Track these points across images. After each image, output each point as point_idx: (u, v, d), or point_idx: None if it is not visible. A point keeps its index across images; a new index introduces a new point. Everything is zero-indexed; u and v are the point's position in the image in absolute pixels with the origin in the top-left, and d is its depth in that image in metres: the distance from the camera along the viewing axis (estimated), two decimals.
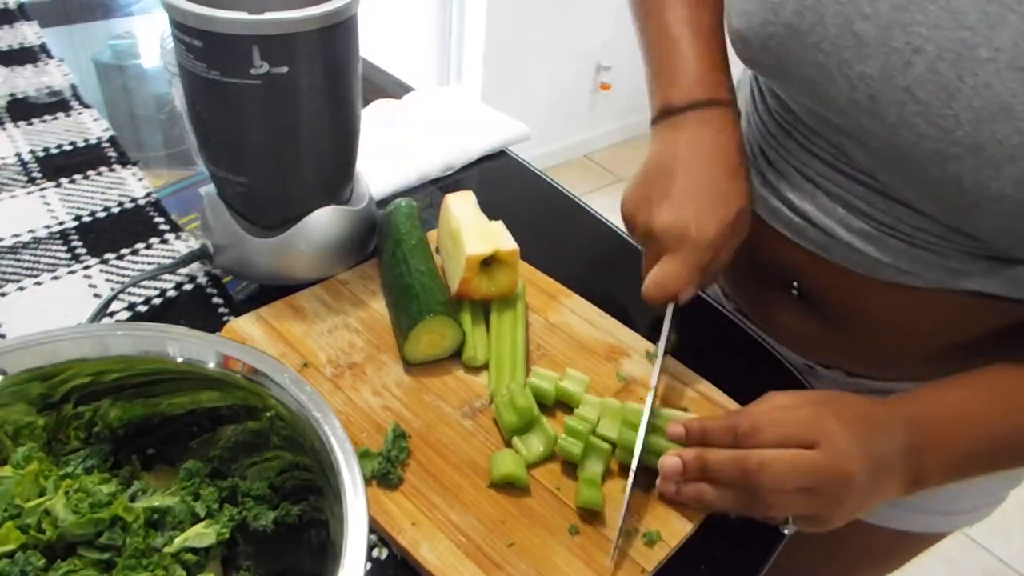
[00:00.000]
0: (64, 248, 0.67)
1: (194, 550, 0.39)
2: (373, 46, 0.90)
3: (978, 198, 0.45)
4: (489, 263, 0.60)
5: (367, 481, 0.49)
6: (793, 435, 0.45)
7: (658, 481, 0.49)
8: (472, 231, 0.60)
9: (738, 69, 0.62)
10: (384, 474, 0.49)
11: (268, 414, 0.41)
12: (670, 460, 0.48)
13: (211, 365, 0.42)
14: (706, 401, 0.58)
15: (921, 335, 0.57)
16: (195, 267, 0.66)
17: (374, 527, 0.48)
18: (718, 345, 0.66)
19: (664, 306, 0.56)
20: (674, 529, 0.48)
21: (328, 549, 0.37)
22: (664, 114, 0.59)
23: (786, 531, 0.48)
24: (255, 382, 0.41)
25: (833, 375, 0.66)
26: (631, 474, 0.48)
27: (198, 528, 0.40)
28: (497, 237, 0.60)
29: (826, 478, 0.44)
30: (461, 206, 0.64)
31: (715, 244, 0.54)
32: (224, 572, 0.41)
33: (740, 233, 0.57)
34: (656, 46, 0.62)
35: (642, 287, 0.56)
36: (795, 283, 0.62)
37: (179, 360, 0.42)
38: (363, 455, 0.50)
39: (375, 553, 0.47)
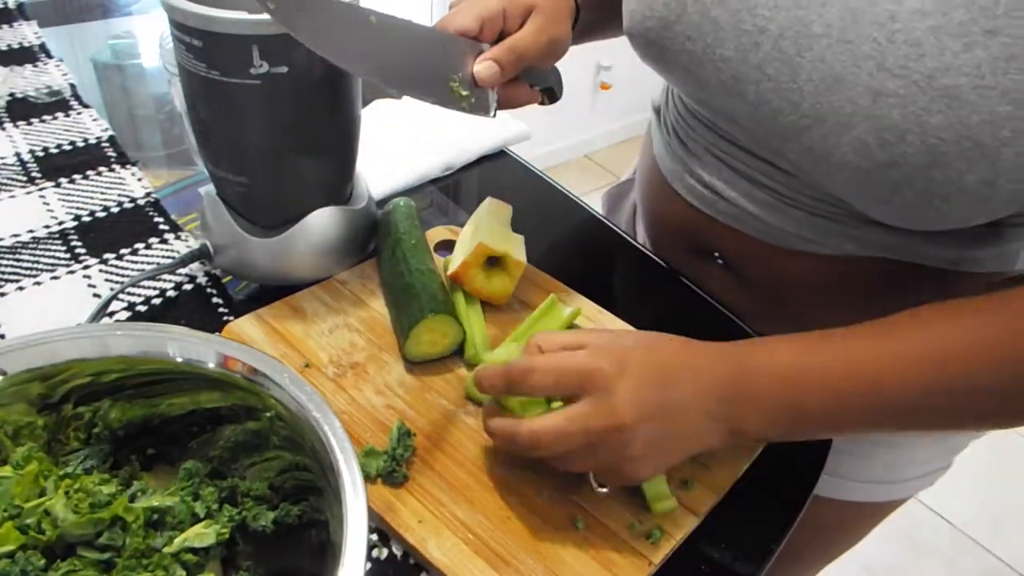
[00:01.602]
0: (64, 248, 0.67)
1: (194, 550, 0.39)
2: None
3: (829, 165, 0.48)
4: (494, 263, 0.61)
5: (372, 479, 0.49)
6: (563, 383, 0.44)
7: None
8: (496, 229, 0.62)
9: None
10: (390, 472, 0.49)
11: (268, 414, 0.41)
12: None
13: (211, 365, 0.42)
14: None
15: (843, 304, 0.59)
16: (195, 267, 0.66)
17: (381, 526, 0.48)
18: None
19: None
20: (679, 523, 0.48)
21: (328, 549, 0.37)
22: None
23: (600, 490, 0.47)
24: (255, 382, 0.41)
25: None
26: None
27: (198, 528, 0.40)
28: (513, 244, 0.62)
29: (597, 430, 0.43)
30: (498, 210, 0.66)
31: (498, 5, 0.54)
32: (224, 572, 0.41)
33: (541, 29, 0.56)
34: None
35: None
36: (717, 254, 0.65)
37: (179, 360, 0.42)
38: (368, 453, 0.50)
39: (375, 553, 0.47)
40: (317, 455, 0.38)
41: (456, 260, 0.62)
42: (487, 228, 0.62)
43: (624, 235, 0.76)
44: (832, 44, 0.45)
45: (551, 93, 0.63)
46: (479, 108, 0.55)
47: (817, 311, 0.61)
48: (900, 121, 0.44)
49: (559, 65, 0.62)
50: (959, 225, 0.49)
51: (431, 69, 0.53)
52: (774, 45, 0.48)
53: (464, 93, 0.54)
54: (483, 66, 0.54)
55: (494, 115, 0.57)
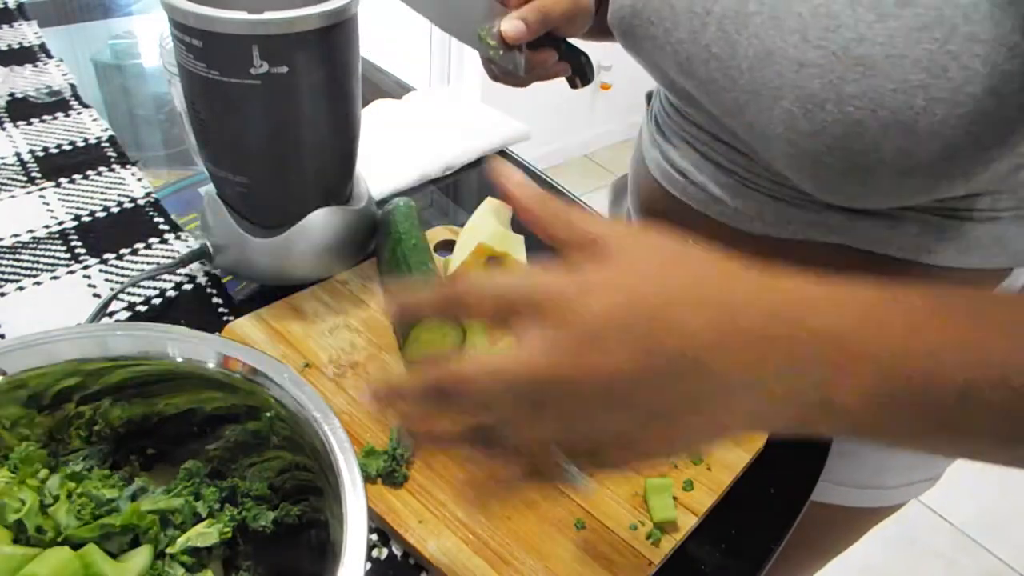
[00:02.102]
0: (63, 248, 0.67)
1: (195, 550, 0.39)
2: (373, 46, 0.90)
3: (766, 140, 0.50)
4: (495, 263, 0.61)
5: (373, 480, 0.49)
6: (506, 299, 0.31)
7: None
8: (496, 229, 0.61)
9: None
10: (390, 472, 0.49)
11: (268, 414, 0.41)
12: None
13: (211, 365, 0.42)
14: None
15: None
16: (195, 267, 0.66)
17: (381, 526, 0.48)
18: None
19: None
20: (679, 524, 0.48)
21: (328, 549, 0.37)
22: None
23: (578, 483, 0.33)
24: (255, 382, 0.41)
25: None
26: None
27: (200, 528, 0.40)
28: (513, 244, 0.62)
29: (547, 375, 0.29)
30: (498, 211, 0.65)
31: None
32: (224, 572, 0.41)
33: None
34: None
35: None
36: (690, 241, 0.64)
37: (179, 360, 0.42)
38: (369, 453, 0.50)
39: (375, 553, 0.47)
40: (317, 455, 0.38)
41: (456, 260, 0.62)
42: (487, 228, 0.62)
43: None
44: (764, 21, 0.48)
45: (582, 75, 0.67)
46: (507, 62, 0.62)
47: None
48: (819, 90, 0.45)
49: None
50: (893, 203, 0.50)
51: (466, 15, 0.61)
52: (718, 26, 0.51)
53: (492, 43, 0.60)
54: (510, 24, 0.59)
55: (524, 73, 0.62)
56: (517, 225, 0.66)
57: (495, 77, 0.67)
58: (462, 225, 0.67)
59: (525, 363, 0.29)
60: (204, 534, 0.40)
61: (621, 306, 0.29)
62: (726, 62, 0.51)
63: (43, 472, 0.40)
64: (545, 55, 0.64)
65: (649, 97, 0.75)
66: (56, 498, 0.39)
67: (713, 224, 0.62)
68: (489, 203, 0.67)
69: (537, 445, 0.32)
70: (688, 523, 0.49)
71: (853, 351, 0.29)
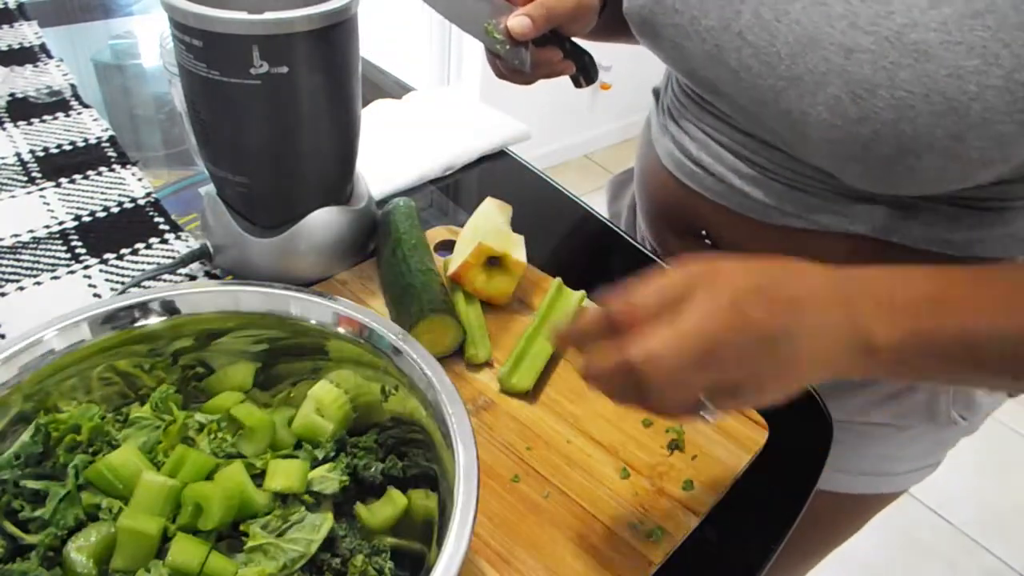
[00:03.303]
0: (64, 248, 0.67)
1: (314, 493, 0.41)
2: (373, 46, 0.90)
3: (805, 127, 0.50)
4: (495, 263, 0.61)
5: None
6: (671, 299, 0.38)
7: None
8: (494, 229, 0.63)
9: None
10: None
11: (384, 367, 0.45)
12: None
13: (329, 323, 0.46)
14: None
15: None
16: (195, 267, 0.66)
17: None
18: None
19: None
20: (680, 523, 0.48)
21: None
22: None
23: (709, 418, 0.39)
24: (370, 342, 0.45)
25: None
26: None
27: (322, 471, 0.42)
28: (513, 244, 0.63)
29: (709, 336, 0.36)
30: (498, 210, 0.67)
31: None
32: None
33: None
34: None
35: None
36: (704, 232, 0.66)
37: (312, 322, 0.46)
38: None
39: None
40: (430, 408, 0.41)
41: (456, 260, 0.62)
42: (487, 228, 0.62)
43: (624, 235, 0.76)
44: (807, 7, 0.48)
45: (586, 74, 0.69)
46: (513, 57, 0.63)
47: None
48: (871, 76, 0.45)
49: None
50: (935, 189, 0.50)
51: (473, 9, 0.62)
52: (753, 12, 0.51)
53: (499, 37, 0.62)
54: (516, 20, 0.61)
55: (529, 70, 0.64)
56: (516, 225, 0.66)
57: (500, 74, 0.68)
58: (462, 225, 0.67)
59: (698, 325, 0.36)
60: (326, 479, 0.42)
61: (750, 279, 0.38)
62: (762, 49, 0.51)
63: (177, 412, 0.43)
64: (550, 53, 0.65)
65: (656, 93, 0.75)
66: (199, 431, 0.43)
67: (729, 215, 0.62)
68: (489, 203, 0.67)
69: (690, 391, 0.38)
70: (690, 523, 0.49)
71: (885, 309, 0.40)
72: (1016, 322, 0.41)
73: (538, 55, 0.64)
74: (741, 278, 0.38)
